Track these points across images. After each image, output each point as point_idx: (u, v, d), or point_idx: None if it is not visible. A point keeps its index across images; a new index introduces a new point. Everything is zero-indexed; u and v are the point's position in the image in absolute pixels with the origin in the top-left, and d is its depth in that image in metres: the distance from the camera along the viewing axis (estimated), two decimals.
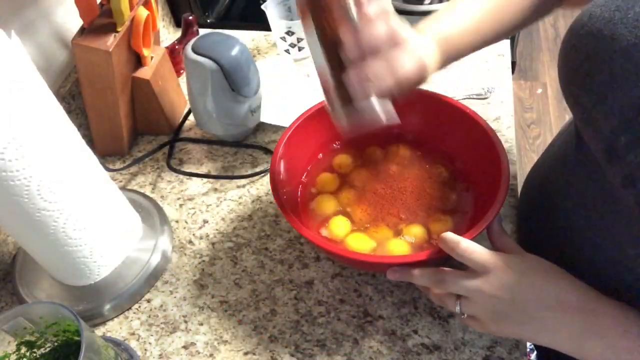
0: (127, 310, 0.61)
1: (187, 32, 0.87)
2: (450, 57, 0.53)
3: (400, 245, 0.58)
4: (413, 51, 0.46)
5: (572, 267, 0.47)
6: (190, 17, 0.86)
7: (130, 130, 0.78)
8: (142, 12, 0.70)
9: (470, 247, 0.47)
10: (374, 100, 0.47)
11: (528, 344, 0.62)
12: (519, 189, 0.67)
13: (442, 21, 0.53)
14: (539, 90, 2.15)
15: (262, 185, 0.73)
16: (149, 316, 0.61)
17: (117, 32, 0.68)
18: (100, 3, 0.71)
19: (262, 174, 0.73)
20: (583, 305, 0.43)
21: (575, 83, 0.45)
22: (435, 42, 0.51)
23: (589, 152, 0.46)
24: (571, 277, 0.45)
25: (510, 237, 0.51)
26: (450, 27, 0.52)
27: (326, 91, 0.49)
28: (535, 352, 0.76)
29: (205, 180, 0.74)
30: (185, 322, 0.60)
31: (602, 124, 0.41)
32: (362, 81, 0.44)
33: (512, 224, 0.64)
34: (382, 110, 0.48)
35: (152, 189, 0.74)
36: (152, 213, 0.68)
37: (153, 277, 0.63)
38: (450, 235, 0.49)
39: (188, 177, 0.75)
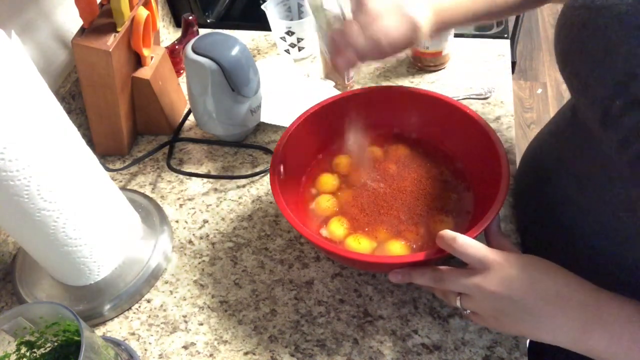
0: (127, 310, 0.61)
1: (187, 32, 0.87)
2: (443, 25, 0.57)
3: (400, 245, 0.58)
4: (405, 11, 0.53)
5: (568, 241, 0.47)
6: (190, 17, 0.86)
7: (130, 130, 0.78)
8: (142, 12, 0.70)
9: (466, 243, 0.48)
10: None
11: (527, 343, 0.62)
12: None
13: None
14: (539, 90, 2.15)
15: (262, 185, 0.73)
16: (149, 316, 0.61)
17: (117, 32, 0.68)
18: (100, 3, 0.71)
19: (262, 174, 0.73)
20: (584, 299, 0.43)
21: (572, 53, 0.46)
22: (430, 8, 0.55)
23: (582, 123, 0.47)
24: (570, 273, 0.45)
25: (508, 238, 0.52)
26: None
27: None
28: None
29: (205, 180, 0.74)
30: (185, 322, 0.60)
31: (598, 90, 0.43)
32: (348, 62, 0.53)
33: (512, 224, 0.64)
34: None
35: (152, 189, 0.74)
36: (152, 213, 0.68)
37: (153, 277, 0.63)
38: (446, 232, 0.49)
39: (188, 177, 0.75)
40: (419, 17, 0.53)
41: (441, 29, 0.57)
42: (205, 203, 0.71)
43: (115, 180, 0.75)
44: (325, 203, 0.63)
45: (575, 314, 0.43)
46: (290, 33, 0.86)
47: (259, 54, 0.93)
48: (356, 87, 0.84)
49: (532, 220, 0.61)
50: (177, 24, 1.01)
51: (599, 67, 0.42)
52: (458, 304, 0.49)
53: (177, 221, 0.70)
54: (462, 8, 0.58)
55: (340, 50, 0.53)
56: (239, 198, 0.71)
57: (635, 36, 0.39)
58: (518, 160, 0.69)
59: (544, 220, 0.58)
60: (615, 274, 0.49)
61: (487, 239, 0.52)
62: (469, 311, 0.49)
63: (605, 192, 0.47)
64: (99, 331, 0.60)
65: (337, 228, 0.60)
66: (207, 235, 0.68)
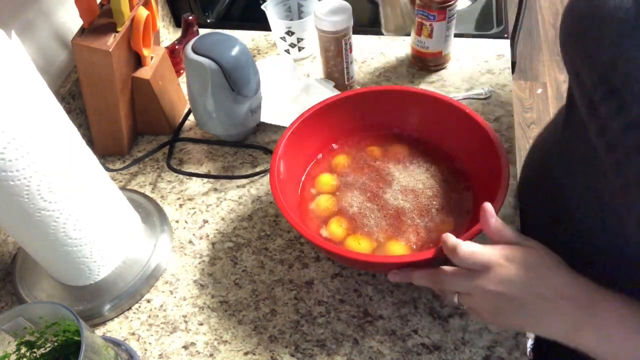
0: (127, 310, 0.61)
1: (187, 32, 0.87)
2: None
3: (400, 245, 0.58)
4: None
5: (567, 233, 0.48)
6: (190, 17, 0.86)
7: (130, 130, 0.78)
8: (142, 12, 0.70)
9: (469, 251, 0.48)
10: None
11: (528, 345, 0.62)
12: None
13: None
14: (539, 90, 2.15)
15: (262, 185, 0.73)
16: (149, 316, 0.61)
17: (117, 32, 0.68)
18: (100, 3, 0.71)
19: (262, 174, 0.73)
20: (580, 296, 0.44)
21: (570, 42, 0.47)
22: None
23: (576, 113, 0.48)
24: (571, 270, 0.46)
25: (507, 227, 0.51)
26: None
27: None
28: (530, 340, 0.76)
29: (205, 180, 0.74)
30: (185, 322, 0.60)
31: (586, 79, 0.44)
32: None
33: (512, 224, 0.64)
34: None
35: (152, 189, 0.74)
36: (152, 213, 0.68)
37: (153, 277, 0.63)
38: (449, 239, 0.50)
39: (188, 177, 0.75)
40: None
41: None
42: (205, 203, 0.71)
43: (115, 180, 0.75)
44: (325, 203, 0.63)
45: (569, 310, 0.43)
46: (290, 33, 0.86)
47: (259, 54, 0.93)
48: (356, 87, 0.84)
49: (534, 217, 0.61)
50: (177, 24, 1.01)
51: (588, 57, 0.43)
52: (456, 300, 0.49)
53: (177, 221, 0.70)
54: None
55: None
56: (239, 198, 0.71)
57: (621, 29, 0.40)
58: (518, 160, 0.69)
59: (545, 218, 0.58)
60: (615, 270, 0.49)
61: (487, 234, 0.52)
62: (465, 306, 0.50)
63: (597, 185, 0.48)
64: (99, 331, 0.60)
65: (336, 228, 0.60)
66: (207, 235, 0.68)
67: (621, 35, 0.40)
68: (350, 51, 0.78)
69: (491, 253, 0.47)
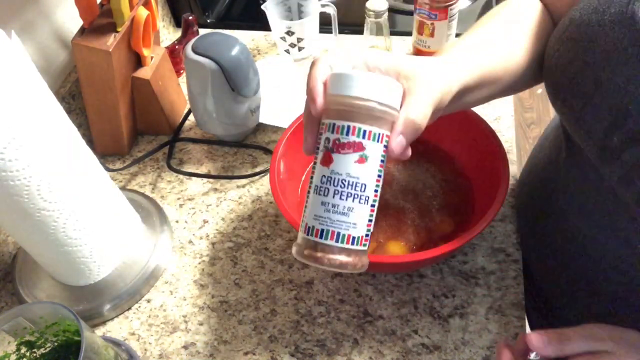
0: (127, 310, 0.61)
1: (187, 32, 0.87)
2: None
3: (400, 245, 0.58)
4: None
5: (569, 243, 0.46)
6: (190, 17, 0.86)
7: (130, 130, 0.78)
8: (142, 12, 0.70)
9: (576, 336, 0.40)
10: None
11: None
12: None
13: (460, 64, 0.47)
14: (539, 91, 2.15)
15: (262, 185, 0.73)
16: (149, 316, 0.61)
17: (117, 32, 0.68)
18: (100, 3, 0.71)
19: (262, 174, 0.73)
20: None
21: (563, 87, 0.44)
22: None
23: (581, 153, 0.46)
24: None
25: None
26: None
27: None
28: None
29: (205, 180, 0.74)
30: (185, 322, 0.60)
31: (593, 125, 0.42)
32: None
33: (512, 224, 0.64)
34: None
35: (152, 189, 0.74)
36: (152, 213, 0.68)
37: (153, 277, 0.63)
38: (543, 337, 0.40)
39: (188, 177, 0.75)
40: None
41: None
42: (205, 203, 0.71)
43: (115, 180, 0.75)
44: None
45: None
46: (290, 33, 0.86)
47: (259, 54, 0.93)
48: None
49: (541, 251, 0.60)
50: (177, 24, 1.01)
51: (590, 102, 0.41)
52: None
53: (177, 221, 0.70)
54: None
55: None
56: (239, 198, 0.71)
57: (624, 71, 0.38)
58: (518, 160, 0.69)
59: (552, 251, 0.57)
60: (615, 275, 0.49)
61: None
62: None
63: (617, 223, 0.46)
64: (99, 331, 0.60)
65: None
66: (207, 235, 0.68)
67: (625, 80, 0.38)
68: None
69: (604, 327, 0.41)
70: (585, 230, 0.50)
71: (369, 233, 0.41)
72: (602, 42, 0.39)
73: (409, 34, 0.88)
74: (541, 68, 0.49)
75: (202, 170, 0.76)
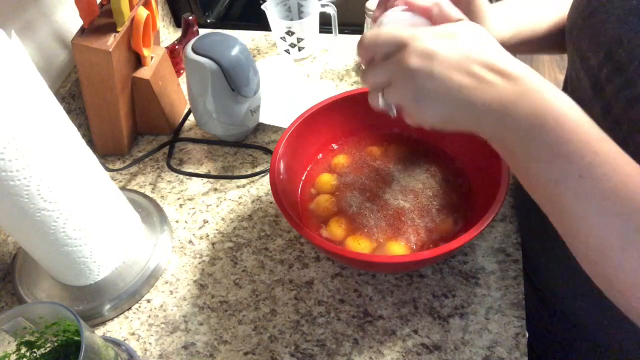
0: (127, 310, 0.61)
1: (187, 32, 0.87)
2: None
3: (400, 245, 0.58)
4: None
5: (578, 267, 0.46)
6: (190, 17, 0.86)
7: (130, 130, 0.78)
8: (142, 12, 0.70)
9: (373, 33, 0.40)
10: None
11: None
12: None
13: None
14: None
15: (262, 185, 0.73)
16: (149, 316, 0.61)
17: (117, 32, 0.68)
18: (100, 3, 0.71)
19: (262, 174, 0.73)
20: (514, 73, 0.37)
21: (577, 27, 0.46)
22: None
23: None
24: (504, 49, 0.39)
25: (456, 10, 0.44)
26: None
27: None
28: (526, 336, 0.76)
29: (205, 180, 0.74)
30: (185, 322, 0.60)
31: (592, 59, 0.43)
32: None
33: (512, 224, 0.64)
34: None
35: (152, 189, 0.74)
36: (152, 213, 0.68)
37: (153, 277, 0.63)
38: (363, 39, 0.41)
39: (188, 177, 0.75)
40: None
41: None
42: (205, 203, 0.71)
43: (115, 180, 0.75)
44: (324, 203, 0.63)
45: (501, 89, 0.37)
46: (290, 33, 0.86)
47: (259, 54, 0.93)
48: (356, 87, 0.84)
49: (533, 222, 0.61)
50: (177, 24, 1.01)
51: (595, 39, 0.43)
52: (381, 103, 0.43)
53: (177, 221, 0.70)
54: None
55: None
56: (239, 198, 0.71)
57: (627, 4, 0.40)
58: None
59: (544, 223, 0.58)
60: None
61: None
62: (395, 110, 0.43)
63: None
64: (99, 331, 0.60)
65: (336, 228, 0.60)
66: (207, 235, 0.68)
67: (627, 11, 0.40)
68: None
69: (406, 30, 0.40)
70: None
71: None
72: None
73: None
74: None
75: (202, 170, 0.76)
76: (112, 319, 0.61)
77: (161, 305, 0.62)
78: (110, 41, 0.67)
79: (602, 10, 0.43)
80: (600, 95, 0.42)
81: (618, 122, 0.40)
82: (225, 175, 0.74)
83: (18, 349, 0.47)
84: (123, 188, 0.74)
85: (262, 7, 0.86)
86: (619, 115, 0.40)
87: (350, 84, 0.86)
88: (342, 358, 0.55)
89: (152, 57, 0.76)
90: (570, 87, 0.52)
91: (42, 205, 0.50)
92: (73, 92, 0.76)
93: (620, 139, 0.36)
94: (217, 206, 0.71)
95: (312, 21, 0.86)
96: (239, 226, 0.68)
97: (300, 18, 0.91)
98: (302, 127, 0.64)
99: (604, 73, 0.41)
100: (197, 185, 0.74)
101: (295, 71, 0.85)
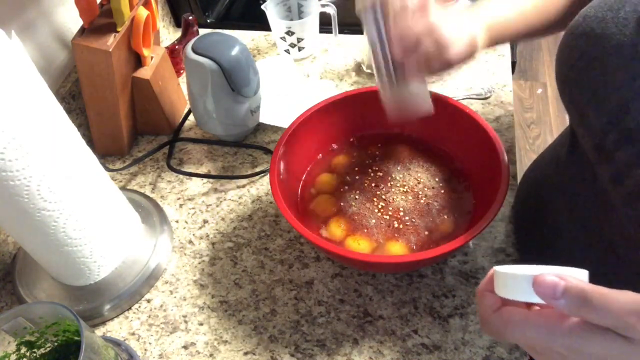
0: (127, 310, 0.61)
1: (187, 32, 0.87)
2: (494, 42, 0.55)
3: (400, 245, 0.58)
4: (463, 29, 0.50)
5: (565, 247, 0.46)
6: (190, 17, 0.86)
7: (130, 130, 0.78)
8: (142, 12, 0.70)
9: (603, 297, 0.29)
10: (423, 86, 0.54)
11: None
12: None
13: (491, 8, 0.55)
14: (539, 90, 2.15)
15: (262, 185, 0.73)
16: (149, 316, 0.61)
17: (117, 32, 0.68)
18: (100, 3, 0.71)
19: (262, 174, 0.73)
20: None
21: (570, 81, 0.45)
22: (484, 25, 0.53)
23: (582, 152, 0.46)
24: None
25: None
26: (499, 13, 0.55)
27: (379, 71, 0.53)
28: None
29: (205, 180, 0.74)
30: (185, 322, 0.60)
31: (594, 121, 0.42)
32: (417, 64, 0.50)
33: (512, 224, 0.64)
34: (427, 98, 0.54)
35: (152, 189, 0.74)
36: (152, 213, 0.68)
37: (153, 277, 0.63)
38: (570, 283, 0.30)
39: (188, 177, 0.75)
40: (477, 34, 0.52)
41: (491, 45, 0.55)
42: (205, 203, 0.71)
43: (115, 180, 0.75)
44: (324, 203, 0.63)
45: None
46: (290, 33, 0.86)
47: (259, 54, 0.93)
48: (356, 87, 0.84)
49: (529, 244, 0.60)
50: (177, 24, 1.01)
51: (594, 98, 0.42)
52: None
53: (177, 221, 0.70)
54: (513, 24, 0.55)
55: (408, 49, 0.49)
56: (239, 198, 0.71)
57: (632, 67, 0.39)
58: (518, 160, 0.69)
59: (540, 247, 0.58)
60: (616, 282, 0.48)
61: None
62: None
63: (605, 227, 0.46)
64: (99, 331, 0.60)
65: (336, 228, 0.60)
66: (207, 235, 0.68)
67: (632, 76, 0.38)
68: None
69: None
70: (574, 232, 0.50)
71: None
72: (614, 37, 0.40)
73: None
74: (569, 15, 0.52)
75: (202, 170, 0.76)
76: (112, 319, 0.61)
77: (161, 305, 0.62)
78: (110, 41, 0.67)
79: (599, 69, 0.41)
80: (607, 161, 0.41)
81: (634, 193, 0.37)
82: (225, 175, 0.74)
83: (18, 349, 0.47)
84: (123, 188, 0.74)
85: (262, 7, 0.86)
86: (636, 187, 0.36)
87: (350, 84, 0.86)
88: (342, 358, 0.55)
89: (152, 57, 0.76)
90: (574, 140, 0.50)
91: (42, 205, 0.50)
92: (73, 92, 0.76)
93: (636, 214, 0.34)
94: (217, 206, 0.71)
95: (312, 21, 0.86)
96: (239, 226, 0.68)
97: (300, 18, 0.91)
98: (302, 127, 0.64)
99: (611, 139, 0.39)
100: (197, 185, 0.74)
101: (295, 71, 0.85)
